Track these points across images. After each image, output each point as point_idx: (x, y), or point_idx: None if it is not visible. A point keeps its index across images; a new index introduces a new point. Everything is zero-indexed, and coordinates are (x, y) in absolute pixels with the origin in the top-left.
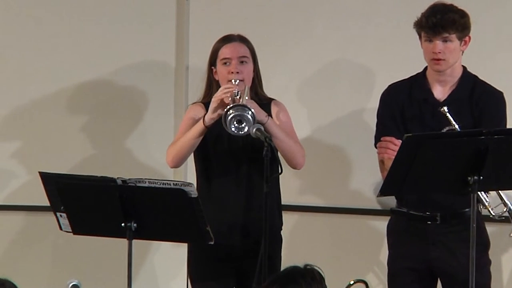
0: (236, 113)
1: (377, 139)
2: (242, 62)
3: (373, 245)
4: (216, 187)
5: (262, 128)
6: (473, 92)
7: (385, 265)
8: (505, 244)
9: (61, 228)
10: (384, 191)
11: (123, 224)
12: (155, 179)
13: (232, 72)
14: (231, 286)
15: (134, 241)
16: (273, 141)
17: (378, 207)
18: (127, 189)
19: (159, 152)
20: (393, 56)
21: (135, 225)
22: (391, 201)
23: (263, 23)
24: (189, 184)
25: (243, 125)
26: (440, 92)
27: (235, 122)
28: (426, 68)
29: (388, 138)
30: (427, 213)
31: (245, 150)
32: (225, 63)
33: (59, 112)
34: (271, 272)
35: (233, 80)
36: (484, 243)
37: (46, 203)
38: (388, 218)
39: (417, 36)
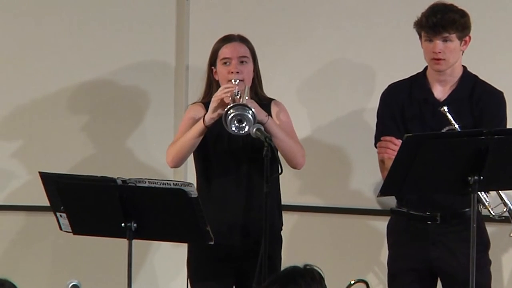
0: (237, 112)
1: (377, 139)
2: (242, 62)
3: (373, 245)
4: (216, 187)
5: (262, 128)
6: (473, 92)
7: (385, 265)
8: (505, 244)
9: (61, 228)
10: (384, 191)
11: (123, 224)
12: (155, 179)
13: (232, 72)
14: (230, 286)
15: (134, 241)
16: (273, 141)
17: (378, 207)
18: (127, 189)
19: (159, 152)
20: (393, 56)
21: (135, 225)
22: (391, 201)
23: (263, 23)
24: (189, 184)
25: (243, 125)
26: (440, 92)
27: (235, 122)
28: (426, 68)
29: (388, 138)
30: (427, 213)
31: (245, 150)
32: (225, 63)
33: (59, 112)
34: (271, 272)
35: (233, 80)
36: (484, 243)
37: (46, 203)
38: (388, 218)
39: (417, 36)
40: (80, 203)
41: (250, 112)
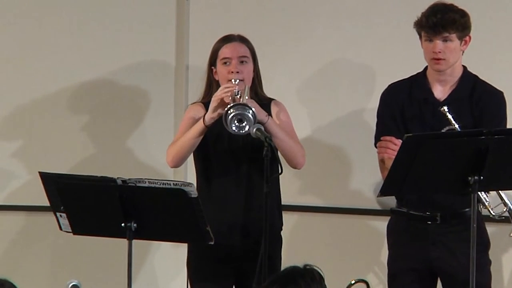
0: (237, 112)
1: (377, 138)
2: (242, 62)
3: (373, 245)
4: (216, 187)
5: (262, 128)
6: (474, 91)
7: (385, 265)
8: (505, 244)
9: (61, 228)
10: (384, 191)
11: (123, 224)
12: (155, 179)
13: (232, 72)
14: (230, 286)
15: (134, 241)
16: (274, 141)
17: (378, 207)
18: (127, 189)
19: (159, 152)
20: (393, 56)
21: (135, 225)
22: (391, 201)
23: (263, 23)
24: (189, 184)
25: (243, 124)
26: (440, 91)
27: (235, 121)
28: (426, 68)
29: (388, 138)
30: (427, 213)
31: (245, 149)
32: (225, 63)
33: (58, 112)
34: (271, 273)
35: (233, 80)
36: (484, 243)
37: (46, 203)
38: (388, 218)
39: (417, 36)
40: (80, 203)
41: (251, 111)
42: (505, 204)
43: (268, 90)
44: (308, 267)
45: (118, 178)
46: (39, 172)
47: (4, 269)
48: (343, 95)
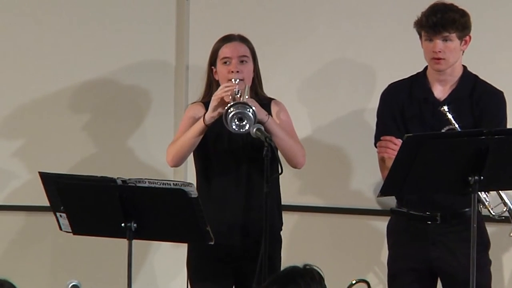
0: (237, 111)
1: (377, 138)
2: (242, 61)
3: (373, 245)
4: (215, 186)
5: (263, 128)
6: (474, 91)
7: (385, 265)
8: (505, 244)
9: (61, 228)
10: (384, 191)
11: (123, 224)
12: (155, 179)
13: (232, 71)
14: (230, 286)
15: (134, 241)
16: (274, 140)
17: (378, 207)
18: (127, 189)
19: (159, 152)
20: (393, 56)
21: (135, 225)
22: (391, 201)
23: (263, 23)
24: (189, 184)
25: (244, 123)
26: (440, 91)
27: (236, 120)
28: (426, 68)
29: (388, 138)
30: (427, 213)
31: (245, 149)
32: (225, 63)
33: (58, 112)
34: (271, 273)
35: (233, 79)
36: (484, 243)
37: (46, 203)
38: (388, 218)
39: (417, 36)
40: (80, 203)
41: (251, 110)
42: (505, 204)
43: (268, 90)
44: (308, 267)
45: (118, 178)
46: (39, 172)
47: (4, 269)
48: (343, 95)
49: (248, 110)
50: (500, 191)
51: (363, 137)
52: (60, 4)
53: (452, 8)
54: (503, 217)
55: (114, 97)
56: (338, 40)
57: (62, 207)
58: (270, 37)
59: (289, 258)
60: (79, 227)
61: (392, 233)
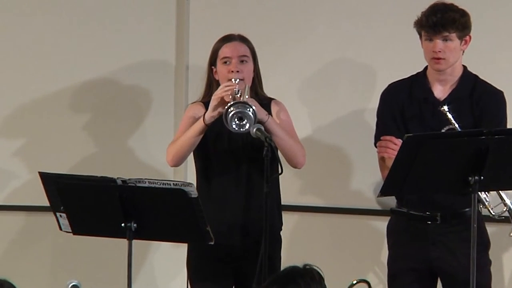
0: (237, 110)
1: (377, 138)
2: (242, 61)
3: (373, 245)
4: (215, 186)
5: (263, 128)
6: (474, 91)
7: (385, 265)
8: (505, 244)
9: (61, 229)
10: (384, 191)
11: (123, 224)
12: (155, 179)
13: (232, 71)
14: (230, 286)
15: (134, 241)
16: (274, 140)
17: (378, 207)
18: (127, 189)
19: (159, 152)
20: (393, 55)
21: (135, 225)
22: (391, 201)
23: (263, 23)
24: (189, 184)
25: (244, 122)
26: (440, 91)
27: (236, 119)
28: (426, 68)
29: (388, 137)
30: (427, 213)
31: (245, 149)
32: (225, 62)
33: (58, 112)
34: (271, 273)
35: (233, 79)
36: (484, 243)
37: (46, 203)
38: (388, 218)
39: (418, 36)
40: (80, 203)
41: (251, 109)
42: (505, 204)
43: (268, 89)
44: (307, 267)
45: (118, 178)
46: (39, 172)
47: (4, 269)
48: (343, 95)
49: (248, 109)
50: (500, 191)
51: (363, 137)
52: (60, 4)
53: (452, 8)
54: (503, 217)
55: (114, 97)
56: (338, 40)
57: (62, 207)
58: (270, 37)
59: (289, 258)
60: (79, 227)
61: (392, 233)
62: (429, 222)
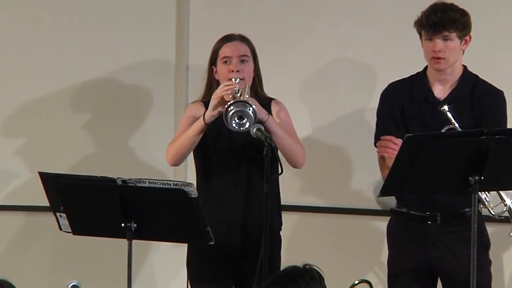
0: (237, 109)
1: (377, 138)
2: (242, 61)
3: (373, 245)
4: (215, 186)
5: (263, 128)
6: (474, 91)
7: (385, 265)
8: (505, 244)
9: (60, 229)
10: (384, 191)
11: (123, 224)
12: (155, 179)
13: (233, 71)
14: (230, 286)
15: (134, 241)
16: (274, 139)
17: (378, 207)
18: (127, 189)
19: (159, 151)
20: (393, 55)
21: (135, 225)
22: (391, 201)
23: (263, 23)
24: (189, 184)
25: (244, 121)
26: (440, 91)
27: (236, 118)
28: (426, 67)
29: (388, 137)
30: (427, 213)
31: (245, 148)
32: (226, 62)
33: (58, 112)
34: (271, 273)
35: (233, 79)
36: (484, 243)
37: (46, 203)
38: (388, 218)
39: (418, 36)
40: (80, 203)
41: (251, 108)
42: (505, 204)
43: (268, 89)
44: (307, 266)
45: (118, 178)
46: (39, 172)
47: (4, 270)
48: (344, 95)
49: (248, 108)
50: (500, 191)
51: (364, 137)
52: (60, 4)
53: (452, 7)
54: (503, 217)
55: (114, 97)
56: (338, 40)
57: (62, 207)
58: (270, 37)
59: (289, 258)
60: (79, 227)
61: (392, 233)
62: (429, 222)
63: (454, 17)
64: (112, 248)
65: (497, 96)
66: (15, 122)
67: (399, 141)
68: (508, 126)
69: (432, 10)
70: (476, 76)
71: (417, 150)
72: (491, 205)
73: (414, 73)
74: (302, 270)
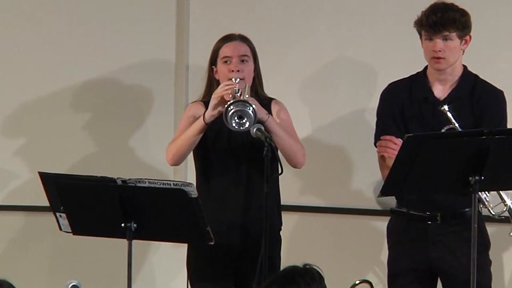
0: (237, 108)
1: (377, 138)
2: (242, 61)
3: (373, 245)
4: (215, 186)
5: (263, 128)
6: (474, 91)
7: (385, 265)
8: (505, 244)
9: (60, 229)
10: (385, 191)
11: (123, 224)
12: (155, 179)
13: (233, 71)
14: (230, 286)
15: (134, 241)
16: (274, 139)
17: (378, 207)
18: (127, 189)
19: (159, 151)
20: (393, 55)
21: (135, 225)
22: (391, 201)
23: (263, 23)
24: (189, 184)
25: (244, 121)
26: (440, 91)
27: (236, 118)
28: (426, 67)
29: (388, 137)
30: (427, 213)
31: (245, 148)
32: (226, 62)
33: (58, 112)
34: (271, 273)
35: (233, 78)
36: (484, 243)
37: (46, 203)
38: (388, 218)
39: (418, 36)
40: (80, 203)
41: (251, 108)
42: (505, 204)
43: (269, 89)
44: (307, 266)
45: (118, 178)
46: (39, 172)
47: (3, 270)
48: (343, 95)
49: (248, 108)
50: (500, 191)
51: (364, 137)
52: (60, 4)
53: (452, 7)
54: (503, 217)
55: (114, 97)
56: (338, 40)
57: (62, 207)
58: (270, 37)
59: (289, 258)
60: (79, 227)
61: (392, 233)
62: (429, 222)
63: (454, 17)
64: (112, 248)
65: (497, 96)
66: (15, 122)
67: (399, 141)
68: (508, 126)
69: (432, 10)
70: (476, 76)
71: (417, 150)
72: (491, 205)
73: (414, 73)
74: (302, 270)
